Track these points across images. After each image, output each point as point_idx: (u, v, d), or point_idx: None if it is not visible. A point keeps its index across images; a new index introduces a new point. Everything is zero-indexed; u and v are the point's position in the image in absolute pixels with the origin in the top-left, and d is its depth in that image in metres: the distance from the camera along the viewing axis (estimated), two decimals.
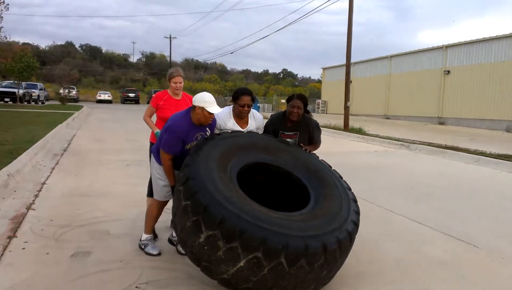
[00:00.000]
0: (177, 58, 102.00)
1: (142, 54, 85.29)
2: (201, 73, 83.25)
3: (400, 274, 3.50)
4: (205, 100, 3.27)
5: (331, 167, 3.67)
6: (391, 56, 33.43)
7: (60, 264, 3.44)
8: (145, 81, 75.61)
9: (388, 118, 31.02)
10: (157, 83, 72.64)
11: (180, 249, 3.71)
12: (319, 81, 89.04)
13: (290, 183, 3.55)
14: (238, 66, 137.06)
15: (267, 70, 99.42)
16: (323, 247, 2.75)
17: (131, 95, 49.26)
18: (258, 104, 39.31)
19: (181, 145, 3.38)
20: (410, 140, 13.80)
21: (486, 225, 4.95)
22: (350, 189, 3.48)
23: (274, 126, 3.91)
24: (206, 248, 2.81)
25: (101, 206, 5.16)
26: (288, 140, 3.87)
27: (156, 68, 79.04)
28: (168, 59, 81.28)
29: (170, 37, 64.40)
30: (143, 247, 3.78)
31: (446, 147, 11.50)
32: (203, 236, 2.81)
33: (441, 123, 27.16)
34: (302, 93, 4.07)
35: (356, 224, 3.10)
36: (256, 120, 3.85)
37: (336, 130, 17.87)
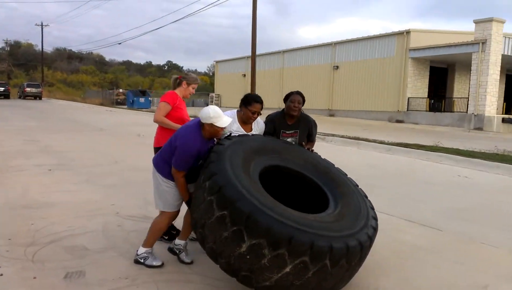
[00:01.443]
0: (46, 47, 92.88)
1: (6, 42, 75.56)
2: (76, 63, 77.20)
3: (393, 264, 3.83)
4: (211, 116, 3.24)
5: (334, 165, 3.86)
6: (284, 51, 35.23)
7: (59, 289, 3.07)
8: (10, 73, 67.38)
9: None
10: (25, 75, 65.35)
11: (184, 258, 3.62)
12: (207, 74, 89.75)
13: (302, 184, 3.63)
14: (117, 57, 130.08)
15: (150, 62, 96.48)
16: (359, 245, 2.91)
17: (0, 89, 43.56)
18: (149, 98, 38.14)
19: (194, 161, 3.33)
20: (320, 132, 14.83)
21: (437, 209, 5.66)
22: (357, 186, 3.71)
23: (274, 124, 3.94)
24: (248, 257, 2.77)
25: (54, 219, 4.64)
26: (289, 139, 3.95)
27: (22, 59, 70.96)
28: (36, 48, 73.59)
29: (42, 25, 58.29)
30: (142, 260, 3.55)
31: (358, 138, 12.68)
32: (245, 245, 2.76)
33: (331, 115, 29.64)
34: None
35: (375, 219, 3.33)
36: (259, 126, 3.87)
37: None
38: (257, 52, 21.43)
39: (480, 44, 21.58)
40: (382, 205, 5.52)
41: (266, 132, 3.91)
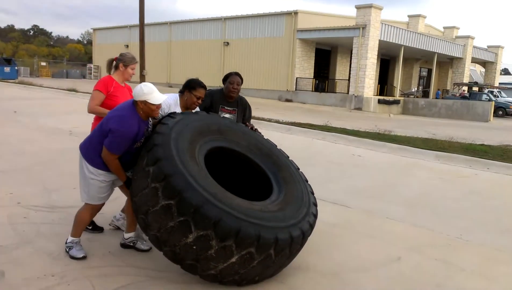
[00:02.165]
0: None
1: None
2: None
3: (315, 241, 4.13)
4: (144, 92, 3.11)
5: (276, 146, 3.93)
6: (171, 23, 34.15)
7: None
8: None
9: (170, 86, 31.95)
10: None
11: (142, 246, 3.57)
12: (80, 42, 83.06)
13: (246, 167, 3.66)
14: None
15: (13, 26, 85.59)
16: (302, 234, 3.10)
17: None
18: (16, 68, 34.03)
19: (130, 145, 3.17)
20: None
21: (343, 187, 6.20)
22: (299, 169, 3.83)
23: (213, 99, 3.96)
24: (195, 247, 2.80)
25: None
26: (227, 115, 3.97)
27: None
28: None
29: None
30: (67, 249, 3.38)
31: (258, 118, 13.08)
32: (192, 236, 2.78)
33: None
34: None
35: (315, 205, 3.53)
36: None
37: None
38: (147, 21, 20.37)
39: (361, 29, 23.56)
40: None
41: (202, 107, 3.87)
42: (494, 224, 4.95)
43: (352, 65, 24.71)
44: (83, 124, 10.48)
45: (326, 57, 29.24)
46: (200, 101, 3.63)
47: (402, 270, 3.63)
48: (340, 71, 29.19)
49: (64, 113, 12.76)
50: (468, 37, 31.30)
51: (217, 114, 3.90)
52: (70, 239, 3.39)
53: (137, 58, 4.17)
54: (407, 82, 32.74)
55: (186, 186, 2.78)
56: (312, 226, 3.25)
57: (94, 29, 42.71)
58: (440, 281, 3.45)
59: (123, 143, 3.11)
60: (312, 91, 26.46)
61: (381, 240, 4.28)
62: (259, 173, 3.61)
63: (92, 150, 3.25)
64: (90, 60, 50.03)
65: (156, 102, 3.13)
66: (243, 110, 4.17)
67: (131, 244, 3.58)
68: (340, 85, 27.31)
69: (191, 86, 3.58)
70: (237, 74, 4.06)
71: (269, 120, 12.83)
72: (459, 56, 31.39)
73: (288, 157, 3.90)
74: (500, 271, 3.73)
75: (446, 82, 34.55)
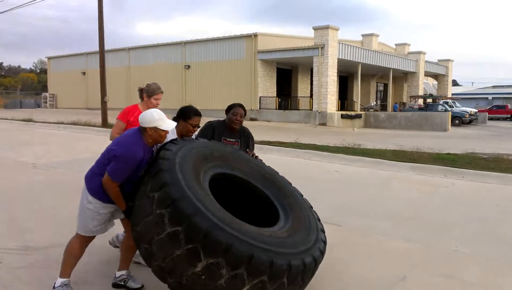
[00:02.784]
0: None
1: None
2: None
3: None
4: (156, 119, 2.99)
5: (278, 173, 3.77)
6: (129, 48, 33.69)
7: None
8: None
9: None
10: None
11: (133, 284, 3.29)
12: (33, 71, 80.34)
13: (250, 194, 3.47)
14: None
15: None
16: (314, 261, 2.91)
17: None
18: None
19: (133, 173, 2.99)
20: None
21: (329, 205, 6.05)
22: (302, 195, 3.67)
23: (215, 130, 3.87)
24: (204, 277, 2.57)
25: None
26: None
27: None
28: None
29: None
30: None
31: None
32: (201, 265, 2.55)
33: None
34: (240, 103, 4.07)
35: (323, 231, 3.35)
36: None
37: (94, 127, 16.97)
38: (97, 49, 19.77)
39: (320, 48, 24.07)
40: None
41: (202, 137, 3.70)
42: (484, 234, 4.93)
43: (314, 83, 25.10)
44: (46, 156, 9.99)
45: (287, 75, 29.61)
46: (196, 129, 3.45)
47: (411, 289, 3.49)
48: (301, 88, 29.60)
49: (24, 144, 12.05)
50: (420, 52, 32.63)
51: (219, 142, 3.75)
52: (59, 281, 3.07)
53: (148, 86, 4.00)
54: (365, 97, 33.59)
55: (195, 211, 2.58)
56: (322, 253, 3.07)
57: (49, 58, 41.42)
58: None
59: (126, 170, 2.94)
60: (276, 109, 26.63)
61: (382, 259, 4.13)
62: (263, 200, 3.43)
63: (95, 179, 3.06)
64: (44, 88, 48.32)
65: (168, 128, 3.02)
66: (246, 141, 4.06)
67: (122, 282, 3.29)
68: (303, 102, 27.67)
69: (186, 116, 3.38)
70: (240, 105, 3.99)
71: None
72: (413, 71, 32.62)
73: (291, 183, 3.74)
74: (505, 283, 3.66)
75: (402, 95, 35.74)
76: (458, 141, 17.30)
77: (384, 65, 28.84)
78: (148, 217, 2.71)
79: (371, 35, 32.99)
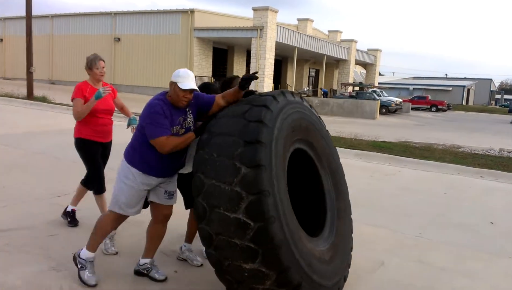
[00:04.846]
0: None
1: None
2: None
3: None
4: (179, 75, 2.87)
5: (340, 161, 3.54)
6: (53, 16, 31.23)
7: None
8: None
9: (53, 83, 29.22)
10: None
11: (156, 275, 3.18)
12: None
13: (309, 181, 3.26)
14: None
15: None
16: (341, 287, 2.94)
17: None
18: None
19: (169, 124, 2.87)
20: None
21: None
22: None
23: None
24: (246, 274, 2.49)
25: None
26: None
27: None
28: None
29: None
30: (79, 266, 3.05)
31: None
32: (252, 265, 2.43)
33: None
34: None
35: (351, 250, 3.36)
36: None
37: (21, 100, 15.67)
38: (16, 14, 18.11)
39: (258, 30, 24.05)
40: None
41: None
42: (440, 221, 5.33)
43: (251, 65, 25.10)
44: None
45: (223, 56, 29.30)
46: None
47: (391, 275, 3.69)
48: (237, 70, 29.47)
49: None
50: (352, 40, 33.94)
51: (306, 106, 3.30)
52: (85, 253, 3.05)
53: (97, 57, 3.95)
54: (298, 82, 34.35)
55: (282, 244, 2.39)
56: (345, 279, 3.07)
57: None
58: (431, 284, 3.57)
59: (161, 121, 2.82)
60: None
61: (358, 244, 4.28)
62: (318, 193, 3.26)
63: (136, 155, 2.98)
64: None
65: (184, 87, 2.83)
66: None
67: (145, 271, 3.19)
68: None
69: (208, 93, 3.22)
70: (238, 76, 3.75)
71: None
72: (344, 58, 33.89)
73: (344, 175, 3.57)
74: (475, 267, 3.99)
75: (332, 82, 37.06)
76: (387, 129, 18.36)
77: (318, 51, 29.60)
78: (223, 185, 2.43)
79: (306, 20, 33.58)
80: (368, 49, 37.90)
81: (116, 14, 28.54)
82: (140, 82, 27.82)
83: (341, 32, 35.78)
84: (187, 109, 2.98)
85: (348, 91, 32.00)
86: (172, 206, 3.19)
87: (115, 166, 3.32)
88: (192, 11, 25.78)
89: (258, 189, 2.35)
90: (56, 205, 4.62)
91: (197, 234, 3.54)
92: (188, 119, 2.98)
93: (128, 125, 4.10)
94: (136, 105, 17.30)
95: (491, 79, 77.05)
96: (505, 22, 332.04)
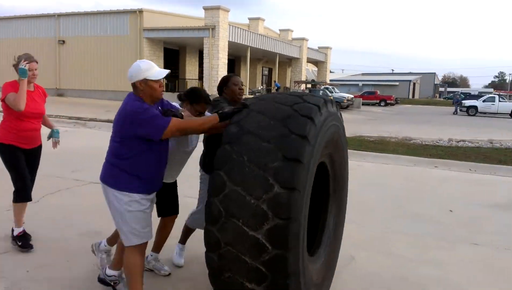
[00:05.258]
0: None
1: None
2: None
3: None
4: (142, 69, 2.55)
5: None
6: None
7: None
8: None
9: None
10: None
11: (122, 288, 2.99)
12: None
13: (317, 195, 3.04)
14: None
15: None
16: None
17: None
18: None
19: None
20: (73, 117, 13.37)
21: None
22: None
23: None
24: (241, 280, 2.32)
25: None
26: None
27: None
28: None
29: None
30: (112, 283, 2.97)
31: None
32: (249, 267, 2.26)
33: (60, 95, 27.00)
34: None
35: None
36: None
37: None
38: None
39: (210, 30, 23.82)
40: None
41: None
42: (403, 213, 5.44)
43: (204, 65, 24.85)
44: None
45: (175, 57, 28.83)
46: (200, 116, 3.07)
47: (362, 268, 3.70)
48: (190, 70, 29.11)
49: None
50: (303, 39, 34.38)
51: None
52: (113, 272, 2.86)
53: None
54: (252, 81, 34.40)
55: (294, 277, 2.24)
56: None
57: None
58: (401, 274, 3.61)
59: (155, 113, 2.51)
60: (164, 91, 25.63)
61: None
62: (323, 205, 3.09)
63: (119, 173, 2.57)
64: None
65: (158, 77, 2.57)
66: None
67: (111, 283, 3.00)
68: (191, 85, 27.24)
69: (195, 100, 3.04)
70: (236, 75, 3.62)
71: None
72: (296, 57, 34.28)
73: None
74: (440, 256, 4.08)
75: (285, 80, 37.42)
76: None
77: (271, 50, 29.74)
78: (249, 198, 2.17)
79: (258, 19, 33.68)
80: (319, 47, 38.58)
81: (60, 15, 27.34)
82: (88, 86, 26.84)
83: (292, 31, 36.19)
84: (159, 109, 2.71)
85: (302, 88, 32.42)
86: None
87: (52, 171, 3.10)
88: (140, 11, 25.15)
89: (287, 215, 2.12)
90: (6, 220, 4.29)
91: (166, 242, 3.42)
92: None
93: (49, 137, 3.86)
94: (97, 111, 16.67)
95: (434, 73, 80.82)
96: (447, 18, 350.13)
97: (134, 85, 2.57)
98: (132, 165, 2.53)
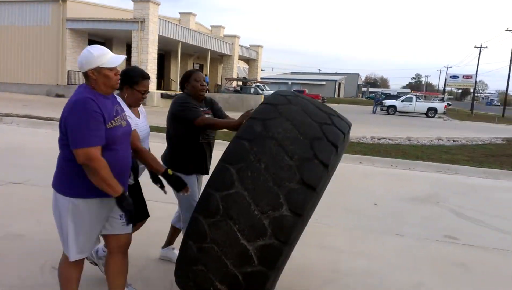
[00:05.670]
0: None
1: None
2: None
3: None
4: (94, 56, 2.25)
5: None
6: None
7: None
8: None
9: None
10: None
11: None
12: None
13: None
14: None
15: None
16: None
17: None
18: None
19: (102, 126, 2.23)
20: None
21: None
22: None
23: (194, 104, 3.21)
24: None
25: None
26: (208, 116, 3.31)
27: None
28: None
29: None
30: None
31: (50, 119, 11.36)
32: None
33: None
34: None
35: None
36: (142, 109, 3.06)
37: None
38: None
39: (139, 23, 23.12)
40: None
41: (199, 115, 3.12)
42: (333, 206, 5.65)
43: (132, 59, 24.02)
44: None
45: None
46: (145, 96, 2.89)
47: (297, 262, 3.78)
48: None
49: None
50: (235, 36, 34.48)
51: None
52: None
53: None
54: None
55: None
56: None
57: None
58: (334, 266, 3.77)
59: (93, 125, 2.17)
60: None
61: (319, 246, 4.30)
62: None
63: (65, 177, 2.29)
64: None
65: (112, 65, 2.28)
66: (214, 106, 3.51)
67: None
68: None
69: (131, 81, 2.81)
70: (198, 70, 3.46)
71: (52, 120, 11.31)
72: (228, 54, 34.32)
73: None
74: (369, 247, 4.31)
75: (217, 77, 37.31)
76: None
77: (202, 46, 29.52)
78: (254, 208, 2.07)
79: (189, 14, 33.21)
80: (250, 45, 38.92)
81: None
82: (4, 78, 24.90)
83: (224, 28, 36.18)
84: (116, 100, 2.47)
85: (233, 86, 32.54)
86: (131, 233, 2.60)
87: None
88: (64, 1, 23.81)
89: (286, 239, 2.07)
90: None
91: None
92: (123, 113, 2.45)
93: None
94: (9, 105, 15.49)
95: (358, 74, 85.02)
96: (370, 21, 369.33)
97: (85, 74, 2.30)
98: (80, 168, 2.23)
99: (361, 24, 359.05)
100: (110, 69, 2.28)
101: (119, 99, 2.72)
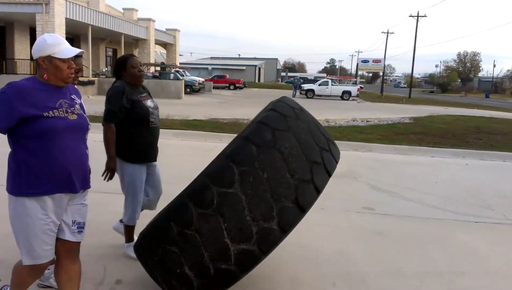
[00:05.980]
0: None
1: None
2: None
3: None
4: (48, 44, 2.19)
5: None
6: None
7: None
8: None
9: None
10: None
11: None
12: None
13: None
14: None
15: None
16: None
17: None
18: None
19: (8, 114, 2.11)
20: None
21: None
22: None
23: (124, 93, 3.10)
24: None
25: None
26: (149, 102, 3.30)
27: None
28: None
29: None
30: None
31: None
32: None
33: None
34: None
35: None
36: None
37: None
38: None
39: (43, 5, 21.57)
40: None
41: (119, 108, 3.05)
42: None
43: None
44: None
45: (1, 34, 25.36)
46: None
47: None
48: (19, 50, 25.93)
49: None
50: (149, 19, 33.39)
51: None
52: None
53: None
54: (95, 62, 32.25)
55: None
56: None
57: None
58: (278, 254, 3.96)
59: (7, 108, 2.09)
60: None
61: (303, 232, 4.36)
62: None
63: (9, 173, 2.21)
64: None
65: (65, 56, 2.20)
66: (148, 90, 3.50)
67: None
68: (22, 66, 24.49)
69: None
70: (133, 55, 3.35)
71: None
72: (144, 38, 33.21)
73: None
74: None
75: None
76: (195, 108, 19.00)
77: (114, 29, 28.27)
78: (247, 213, 2.16)
79: None
80: (167, 29, 38.01)
81: None
82: None
83: (137, 11, 34.89)
84: (72, 96, 2.36)
85: (151, 71, 31.67)
86: (80, 242, 2.42)
87: None
88: None
89: (267, 250, 2.22)
90: None
91: None
92: (76, 106, 2.34)
93: None
94: None
95: (277, 59, 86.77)
96: (287, 6, 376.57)
97: (37, 62, 2.23)
98: (27, 164, 2.16)
99: (276, 8, 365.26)
100: (63, 60, 2.21)
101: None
